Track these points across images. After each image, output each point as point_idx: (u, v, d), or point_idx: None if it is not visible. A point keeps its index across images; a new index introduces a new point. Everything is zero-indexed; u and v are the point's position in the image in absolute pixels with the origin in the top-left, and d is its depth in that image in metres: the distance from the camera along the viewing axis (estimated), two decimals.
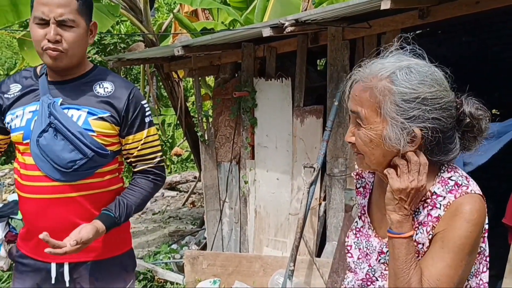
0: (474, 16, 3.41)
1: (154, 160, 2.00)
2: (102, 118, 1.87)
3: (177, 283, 4.55)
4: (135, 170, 2.02)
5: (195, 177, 8.66)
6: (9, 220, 4.36)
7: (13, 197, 4.93)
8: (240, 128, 4.68)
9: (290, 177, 4.33)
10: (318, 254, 4.10)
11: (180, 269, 4.83)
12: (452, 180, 1.25)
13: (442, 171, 1.28)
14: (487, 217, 1.26)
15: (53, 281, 1.92)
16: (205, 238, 5.34)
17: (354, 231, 1.46)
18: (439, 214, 1.22)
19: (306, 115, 4.17)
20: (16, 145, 1.94)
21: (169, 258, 5.22)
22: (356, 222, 1.47)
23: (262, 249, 4.54)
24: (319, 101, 4.17)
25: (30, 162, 1.88)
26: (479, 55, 6.20)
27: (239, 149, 4.73)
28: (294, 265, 3.76)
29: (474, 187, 1.24)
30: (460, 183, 1.24)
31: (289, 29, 3.27)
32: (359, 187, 1.49)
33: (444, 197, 1.23)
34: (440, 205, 1.23)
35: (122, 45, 10.22)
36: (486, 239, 1.30)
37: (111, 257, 1.98)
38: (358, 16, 3.46)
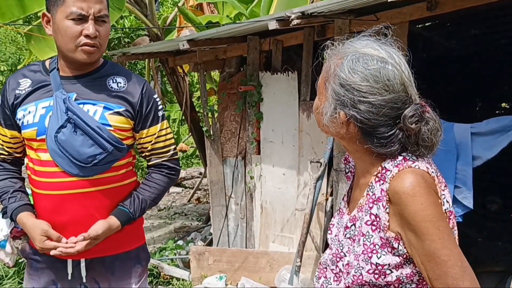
0: (483, 8, 3.35)
1: (168, 153, 2.03)
2: (118, 113, 1.89)
3: (183, 279, 4.53)
4: (150, 164, 2.05)
5: (200, 173, 8.64)
6: None
7: None
8: (245, 122, 4.64)
9: (296, 172, 4.28)
10: (325, 250, 4.05)
11: (186, 265, 4.82)
12: (401, 155, 1.28)
13: None
14: (447, 200, 1.27)
15: (69, 277, 1.95)
16: (211, 234, 5.32)
17: (337, 211, 1.51)
18: (386, 188, 1.25)
19: (312, 109, 4.11)
20: (28, 142, 1.92)
21: (175, 254, 5.21)
22: (340, 202, 1.52)
23: (268, 245, 4.50)
24: None
25: (46, 158, 1.87)
26: (488, 47, 6.12)
27: (244, 144, 4.69)
28: (300, 261, 3.73)
29: (420, 164, 1.25)
30: (408, 158, 1.27)
31: (295, 22, 3.22)
32: (347, 172, 1.56)
33: (391, 171, 1.26)
34: (387, 178, 1.26)
35: (127, 40, 10.20)
36: (451, 221, 1.28)
37: (126, 252, 2.01)
38: (365, 8, 3.41)
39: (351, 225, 1.36)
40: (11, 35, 19.20)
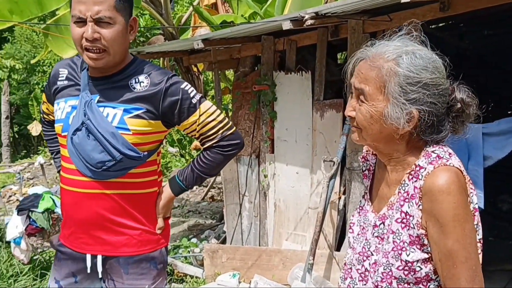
0: (495, 9, 3.35)
1: (218, 134, 1.98)
2: (138, 116, 1.86)
3: (196, 277, 4.57)
4: (204, 147, 2.03)
5: None
6: (29, 213, 4.41)
7: (34, 190, 4.99)
8: (259, 121, 4.68)
9: (309, 171, 4.31)
10: (338, 248, 4.08)
11: (200, 263, 4.86)
12: (435, 153, 1.30)
13: (428, 145, 1.34)
14: (474, 197, 1.31)
15: (88, 271, 1.98)
16: (224, 232, 5.36)
17: (358, 210, 1.52)
18: (420, 185, 1.27)
19: (326, 109, 4.14)
20: (58, 136, 2.01)
21: (189, 252, 5.25)
22: (360, 201, 1.53)
23: (282, 243, 4.54)
24: (339, 94, 4.14)
25: (67, 154, 1.93)
26: (501, 48, 6.08)
27: (258, 143, 4.72)
28: (313, 259, 3.75)
29: (454, 161, 1.28)
30: (441, 156, 1.29)
31: (309, 22, 3.24)
32: (365, 170, 1.56)
33: (425, 168, 1.28)
34: (422, 176, 1.28)
35: (142, 39, 10.29)
36: (476, 218, 1.32)
37: (142, 254, 2.00)
38: (379, 9, 3.42)
39: (380, 224, 1.37)
40: (26, 33, 19.36)
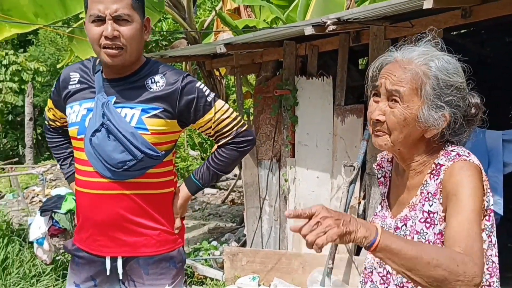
0: None
1: (233, 131, 2.02)
2: (155, 115, 1.88)
3: (216, 279, 4.60)
4: (219, 144, 2.06)
5: (235, 175, 8.72)
6: (52, 214, 4.47)
7: (57, 191, 5.06)
8: (281, 126, 4.70)
9: (330, 175, 4.32)
10: (357, 253, 4.08)
11: (220, 266, 4.89)
12: (454, 151, 1.34)
13: (446, 145, 1.37)
14: (490, 198, 1.34)
15: (108, 273, 1.99)
16: (244, 236, 5.38)
17: (376, 216, 1.54)
18: (440, 179, 1.31)
19: (347, 114, 4.15)
20: (72, 140, 2.01)
21: (209, 254, 5.28)
22: (377, 207, 1.55)
23: (301, 247, 4.55)
24: (360, 100, 4.15)
25: (84, 157, 1.93)
26: None
27: (279, 147, 4.75)
28: (332, 263, 3.76)
29: (474, 159, 1.32)
30: (461, 154, 1.33)
31: (331, 27, 3.26)
32: (380, 177, 1.57)
33: (446, 165, 1.32)
34: (442, 172, 1.32)
35: (164, 43, 10.38)
36: (491, 218, 1.33)
37: (161, 254, 2.02)
38: (400, 15, 3.43)
39: (402, 225, 1.38)
40: (50, 36, 19.66)
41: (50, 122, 2.23)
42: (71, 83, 1.98)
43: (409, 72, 1.30)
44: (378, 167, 1.59)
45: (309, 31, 3.39)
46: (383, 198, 1.53)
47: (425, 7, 2.67)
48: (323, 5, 5.46)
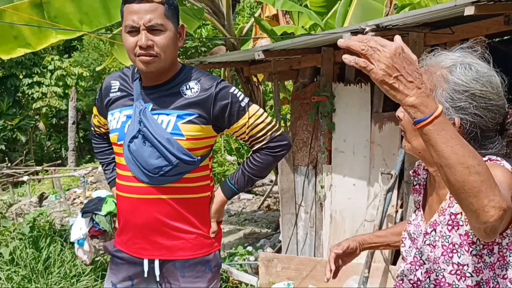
0: None
1: (267, 136, 2.02)
2: (190, 121, 1.91)
3: (251, 285, 4.61)
4: (253, 149, 2.07)
5: (271, 181, 8.74)
6: (93, 215, 4.58)
7: (98, 193, 5.20)
8: (317, 132, 4.69)
9: (367, 183, 4.27)
10: (394, 262, 4.01)
11: (255, 271, 4.90)
12: (485, 157, 1.29)
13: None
14: None
15: (145, 275, 2.04)
16: (279, 242, 5.38)
17: (410, 224, 1.50)
18: None
19: (384, 121, 4.11)
20: (113, 145, 2.08)
21: (244, 259, 5.30)
22: (411, 215, 1.51)
23: None
24: (397, 107, 4.07)
25: (123, 163, 1.99)
26: None
27: (316, 153, 4.74)
28: (368, 272, 3.72)
29: (506, 163, 1.27)
30: (493, 158, 1.29)
31: (369, 34, 3.24)
32: (416, 184, 1.54)
33: None
34: None
35: (203, 49, 10.54)
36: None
37: (197, 258, 2.05)
38: (441, 22, 3.37)
39: (431, 231, 1.36)
40: (94, 42, 20.22)
41: (96, 128, 2.30)
42: (112, 91, 2.04)
43: (427, 74, 1.29)
44: (414, 174, 1.57)
45: (347, 37, 3.36)
46: (418, 207, 1.51)
47: (466, 13, 2.62)
48: (362, 12, 5.43)
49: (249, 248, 5.72)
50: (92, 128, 2.33)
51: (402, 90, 1.07)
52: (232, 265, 5.11)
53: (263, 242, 6.01)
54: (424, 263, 1.38)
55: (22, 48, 4.79)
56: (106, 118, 2.10)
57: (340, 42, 1.11)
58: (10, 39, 4.70)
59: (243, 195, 8.91)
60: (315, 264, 4.33)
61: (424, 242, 1.38)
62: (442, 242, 1.31)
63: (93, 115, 2.27)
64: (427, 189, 1.50)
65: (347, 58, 1.09)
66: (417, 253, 1.41)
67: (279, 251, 5.29)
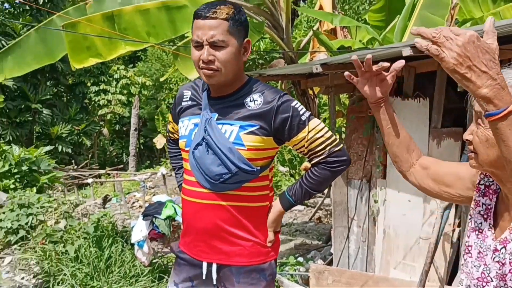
0: None
1: (326, 150, 2.05)
2: (252, 132, 1.99)
3: None
4: (312, 163, 2.11)
5: (323, 193, 8.72)
6: (153, 219, 4.75)
7: (157, 198, 5.36)
8: (373, 146, 4.67)
9: (423, 199, 4.21)
10: (449, 282, 3.93)
11: (305, 282, 4.90)
12: None
13: None
14: None
15: (204, 277, 2.13)
16: (330, 254, 5.37)
17: (476, 232, 1.44)
18: None
19: (443, 137, 4.05)
20: (181, 151, 2.20)
21: (295, 270, 5.32)
22: (481, 223, 1.44)
23: (389, 271, 4.46)
24: (456, 123, 4.03)
25: (189, 168, 2.12)
26: None
27: (370, 167, 4.72)
28: None
29: None
30: None
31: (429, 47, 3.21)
32: (481, 184, 1.46)
33: None
34: None
35: (261, 61, 10.71)
36: None
37: (253, 265, 2.11)
38: (505, 37, 3.30)
39: (501, 248, 1.31)
40: (157, 53, 20.92)
41: (170, 134, 2.44)
42: (184, 99, 2.18)
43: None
44: (482, 174, 1.49)
45: (406, 52, 3.35)
46: (488, 214, 1.43)
47: None
48: (422, 26, 5.36)
49: (300, 259, 5.73)
50: (167, 134, 2.49)
51: (475, 80, 1.03)
52: (283, 274, 5.15)
53: (314, 253, 6.00)
54: (492, 280, 1.36)
55: (94, 58, 5.08)
56: (178, 124, 2.23)
57: (413, 30, 1.11)
58: (83, 49, 5.00)
59: (295, 207, 8.88)
60: (367, 279, 4.30)
61: (493, 259, 1.35)
62: (510, 259, 1.29)
63: (168, 122, 2.43)
64: (500, 198, 1.45)
65: (419, 43, 1.08)
66: (485, 269, 1.38)
67: (330, 263, 5.28)
